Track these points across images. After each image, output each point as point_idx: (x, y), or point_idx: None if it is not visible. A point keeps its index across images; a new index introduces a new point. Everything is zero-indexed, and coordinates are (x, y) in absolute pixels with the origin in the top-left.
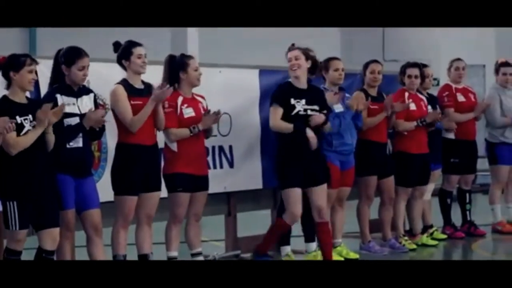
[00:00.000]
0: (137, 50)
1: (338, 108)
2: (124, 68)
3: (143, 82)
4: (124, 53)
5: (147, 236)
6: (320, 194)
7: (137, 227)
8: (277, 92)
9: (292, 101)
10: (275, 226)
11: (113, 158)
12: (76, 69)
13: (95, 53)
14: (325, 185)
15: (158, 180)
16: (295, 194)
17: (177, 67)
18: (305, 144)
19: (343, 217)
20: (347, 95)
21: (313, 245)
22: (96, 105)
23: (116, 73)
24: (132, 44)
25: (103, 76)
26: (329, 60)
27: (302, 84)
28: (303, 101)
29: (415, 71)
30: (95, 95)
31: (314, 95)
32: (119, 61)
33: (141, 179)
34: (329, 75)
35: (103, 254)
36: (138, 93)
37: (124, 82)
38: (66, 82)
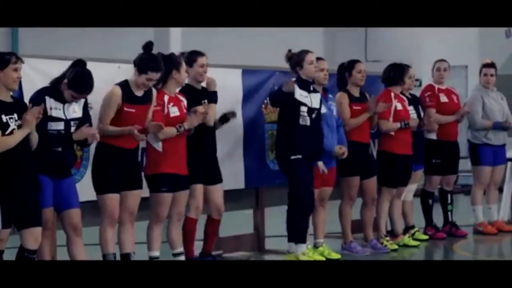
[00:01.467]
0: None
1: (321, 109)
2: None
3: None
4: (175, 65)
5: (129, 235)
6: (220, 192)
7: (119, 226)
8: None
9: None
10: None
11: (93, 156)
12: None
13: (77, 53)
14: (221, 184)
15: (139, 178)
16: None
17: (169, 66)
18: (207, 142)
19: (325, 217)
20: (329, 95)
21: (303, 247)
22: (86, 111)
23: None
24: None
25: None
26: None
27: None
28: None
29: None
30: (86, 101)
31: None
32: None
33: (121, 178)
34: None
35: (84, 253)
36: (135, 100)
37: (125, 86)
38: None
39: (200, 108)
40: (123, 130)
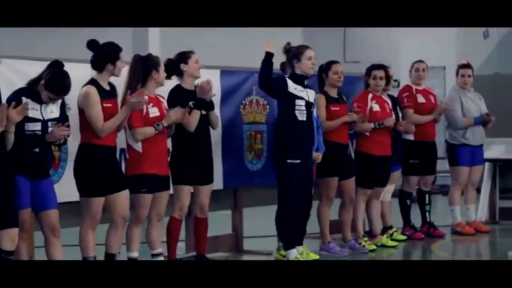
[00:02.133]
0: (122, 55)
1: None
2: (99, 69)
3: (109, 83)
4: (111, 56)
5: (118, 237)
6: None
7: (111, 227)
8: None
9: None
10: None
11: (75, 158)
12: None
13: (55, 53)
14: (211, 185)
15: (123, 178)
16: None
17: (148, 67)
18: (201, 142)
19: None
20: None
21: (300, 249)
22: (63, 111)
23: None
24: (119, 48)
25: None
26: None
27: None
28: None
29: (380, 73)
30: (63, 101)
31: None
32: (102, 62)
33: (106, 180)
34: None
35: (61, 254)
36: (108, 95)
37: (95, 84)
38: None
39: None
40: (123, 112)
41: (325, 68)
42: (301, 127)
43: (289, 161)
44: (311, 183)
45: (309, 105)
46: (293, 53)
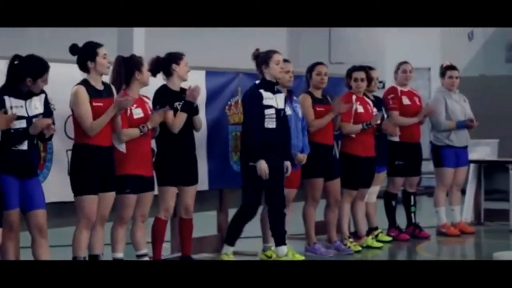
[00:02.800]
0: (102, 50)
1: (287, 111)
2: (84, 69)
3: (103, 82)
4: (89, 53)
5: (99, 237)
6: (193, 193)
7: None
8: None
9: None
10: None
11: (70, 159)
12: None
13: (39, 53)
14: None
15: (114, 181)
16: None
17: (131, 67)
18: (185, 143)
19: (289, 219)
20: (294, 97)
21: (283, 249)
22: (47, 106)
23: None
24: (96, 45)
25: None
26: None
27: None
28: None
29: (361, 74)
30: (46, 96)
31: None
32: (83, 62)
33: (99, 179)
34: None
35: (48, 255)
36: (99, 94)
37: (86, 83)
38: (15, 83)
39: (165, 109)
40: (110, 111)
41: (309, 69)
42: (270, 134)
43: (251, 163)
44: (282, 184)
45: (278, 111)
46: (262, 58)
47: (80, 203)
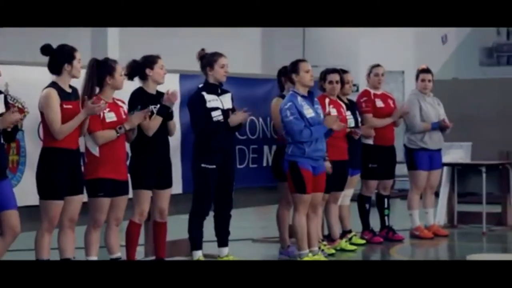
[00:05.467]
0: (78, 54)
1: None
2: (56, 71)
3: (70, 85)
4: (66, 56)
5: (69, 240)
6: (167, 196)
7: (59, 231)
8: None
9: None
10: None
11: (38, 161)
12: None
13: (12, 56)
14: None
15: (81, 183)
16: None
17: (103, 72)
18: (159, 147)
19: (319, 224)
20: (315, 99)
21: (226, 250)
22: (7, 106)
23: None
24: (73, 48)
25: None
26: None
27: None
28: None
29: (336, 77)
30: (5, 96)
31: None
32: (58, 65)
33: (66, 183)
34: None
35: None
36: (69, 97)
37: (56, 86)
38: None
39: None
40: (80, 115)
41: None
42: (218, 136)
43: (203, 165)
44: (232, 186)
45: (225, 112)
46: (207, 60)
47: (45, 206)
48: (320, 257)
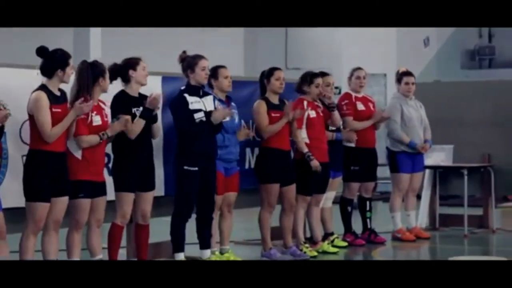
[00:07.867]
0: (71, 61)
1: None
2: (48, 75)
3: (58, 88)
4: (62, 62)
5: (54, 242)
6: (150, 199)
7: (44, 233)
8: None
9: None
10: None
11: (24, 164)
12: None
13: None
14: (153, 192)
15: (67, 185)
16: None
17: (96, 74)
18: (142, 149)
19: (231, 223)
20: (232, 103)
21: (208, 252)
22: None
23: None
24: (68, 54)
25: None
26: (217, 68)
27: None
28: None
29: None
30: None
31: None
32: (52, 69)
33: (52, 185)
34: (219, 83)
35: (7, 254)
36: (57, 100)
37: (45, 89)
38: None
39: (125, 116)
40: (70, 116)
41: (267, 74)
42: (202, 138)
43: (185, 167)
44: (214, 189)
45: (208, 114)
46: (188, 63)
47: (31, 209)
48: (231, 255)
